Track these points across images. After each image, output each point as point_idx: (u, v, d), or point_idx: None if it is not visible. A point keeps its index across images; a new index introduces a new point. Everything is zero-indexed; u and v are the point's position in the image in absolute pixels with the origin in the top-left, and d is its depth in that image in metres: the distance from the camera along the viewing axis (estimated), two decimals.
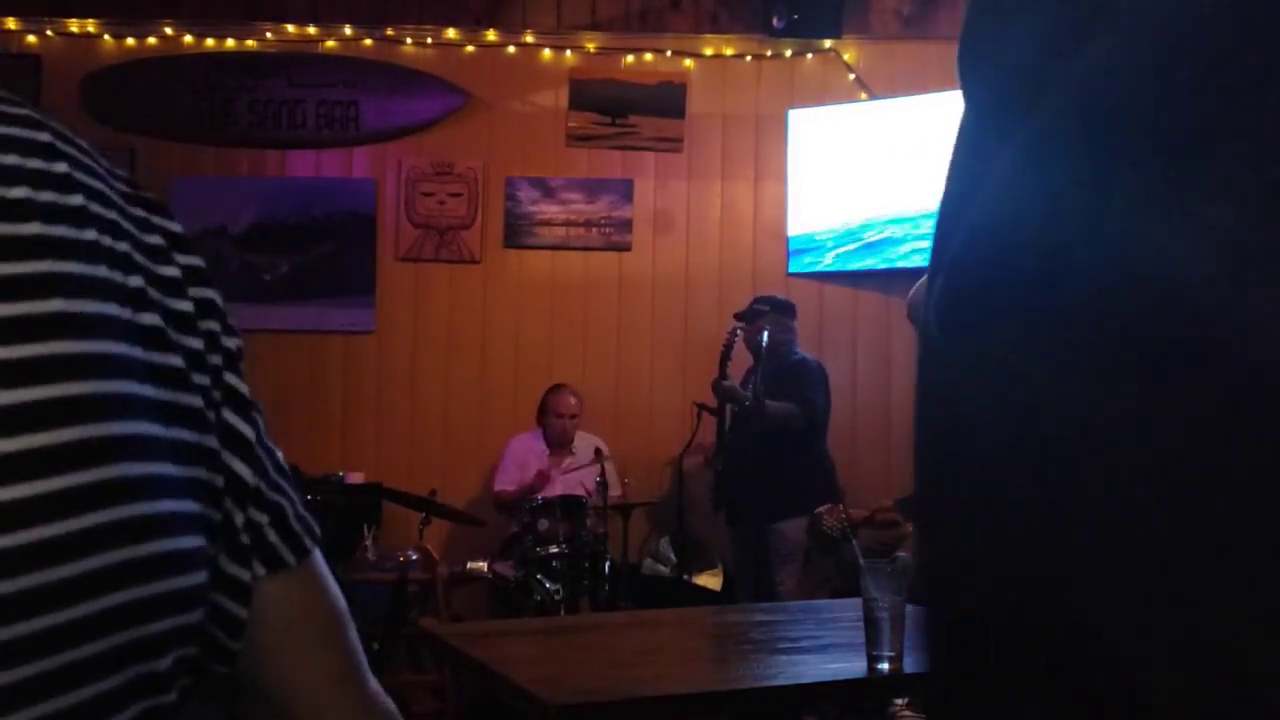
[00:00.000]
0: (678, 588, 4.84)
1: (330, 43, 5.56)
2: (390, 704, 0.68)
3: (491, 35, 5.52)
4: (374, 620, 4.16)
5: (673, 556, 5.03)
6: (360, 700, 0.66)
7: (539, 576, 4.28)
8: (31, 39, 5.45)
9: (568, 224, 5.60)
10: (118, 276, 0.52)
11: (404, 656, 4.32)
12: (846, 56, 5.58)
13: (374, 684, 0.68)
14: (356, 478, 5.01)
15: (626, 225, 5.61)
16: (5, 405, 0.46)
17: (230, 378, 0.58)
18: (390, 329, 5.52)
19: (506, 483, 5.07)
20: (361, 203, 5.55)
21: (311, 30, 5.49)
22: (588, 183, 5.60)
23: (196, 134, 5.48)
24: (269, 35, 5.51)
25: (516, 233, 5.59)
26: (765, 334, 4.51)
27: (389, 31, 5.51)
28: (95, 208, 0.53)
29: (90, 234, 0.51)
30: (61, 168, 0.52)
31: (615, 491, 4.88)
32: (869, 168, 5.39)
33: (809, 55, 5.62)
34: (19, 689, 0.45)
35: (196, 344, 0.56)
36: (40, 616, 0.46)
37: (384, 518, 4.98)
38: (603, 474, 4.71)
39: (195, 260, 0.58)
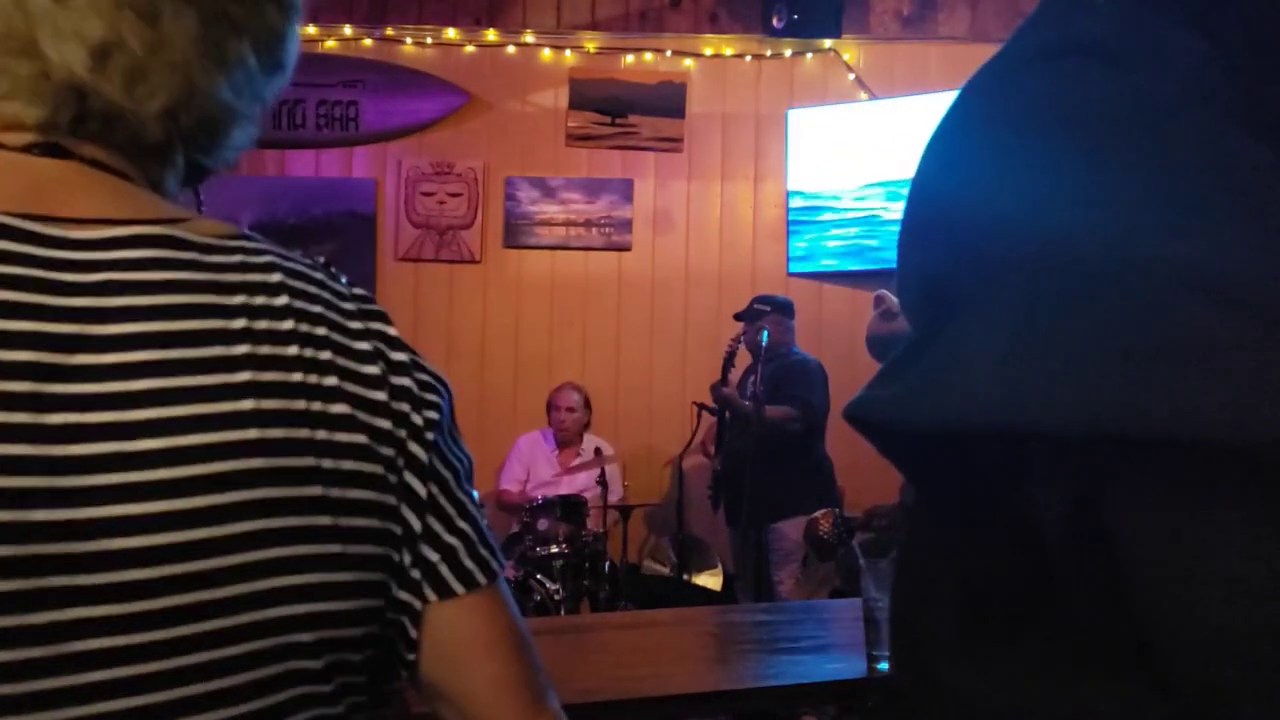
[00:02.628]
0: (678, 588, 4.84)
1: (330, 43, 5.56)
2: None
3: (491, 35, 5.52)
4: None
5: (673, 556, 5.03)
6: (526, 707, 0.78)
7: (539, 576, 4.27)
8: None
9: (568, 224, 5.60)
10: (311, 378, 0.69)
11: None
12: (846, 56, 5.58)
13: (552, 703, 0.81)
14: None
15: (626, 225, 5.61)
16: (211, 473, 0.65)
17: (412, 446, 0.74)
18: None
19: (510, 482, 5.09)
20: (361, 203, 5.55)
21: (311, 30, 5.49)
22: (588, 183, 5.60)
23: None
24: None
25: (516, 233, 5.59)
26: (765, 334, 4.51)
27: (389, 31, 5.51)
28: (303, 327, 0.70)
29: (292, 349, 0.69)
30: (281, 300, 0.70)
31: (616, 493, 4.88)
32: (869, 168, 5.39)
33: (809, 55, 5.62)
34: (205, 667, 0.66)
35: (385, 424, 0.72)
36: (226, 617, 0.66)
37: None
38: (603, 474, 4.71)
39: (403, 356, 0.75)
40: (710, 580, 5.10)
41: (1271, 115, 0.53)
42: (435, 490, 0.75)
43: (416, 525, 0.74)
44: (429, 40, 5.55)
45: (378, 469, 0.71)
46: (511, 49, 5.59)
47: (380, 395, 0.72)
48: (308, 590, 0.68)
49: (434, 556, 0.75)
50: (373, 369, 0.73)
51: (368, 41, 5.54)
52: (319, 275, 0.75)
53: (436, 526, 0.75)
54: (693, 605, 4.50)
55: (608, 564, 4.56)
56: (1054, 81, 0.56)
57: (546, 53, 5.60)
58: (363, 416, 0.71)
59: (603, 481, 4.69)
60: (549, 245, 5.60)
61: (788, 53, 5.61)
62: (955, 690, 0.58)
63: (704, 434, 4.95)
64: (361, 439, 0.71)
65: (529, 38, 5.54)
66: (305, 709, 0.70)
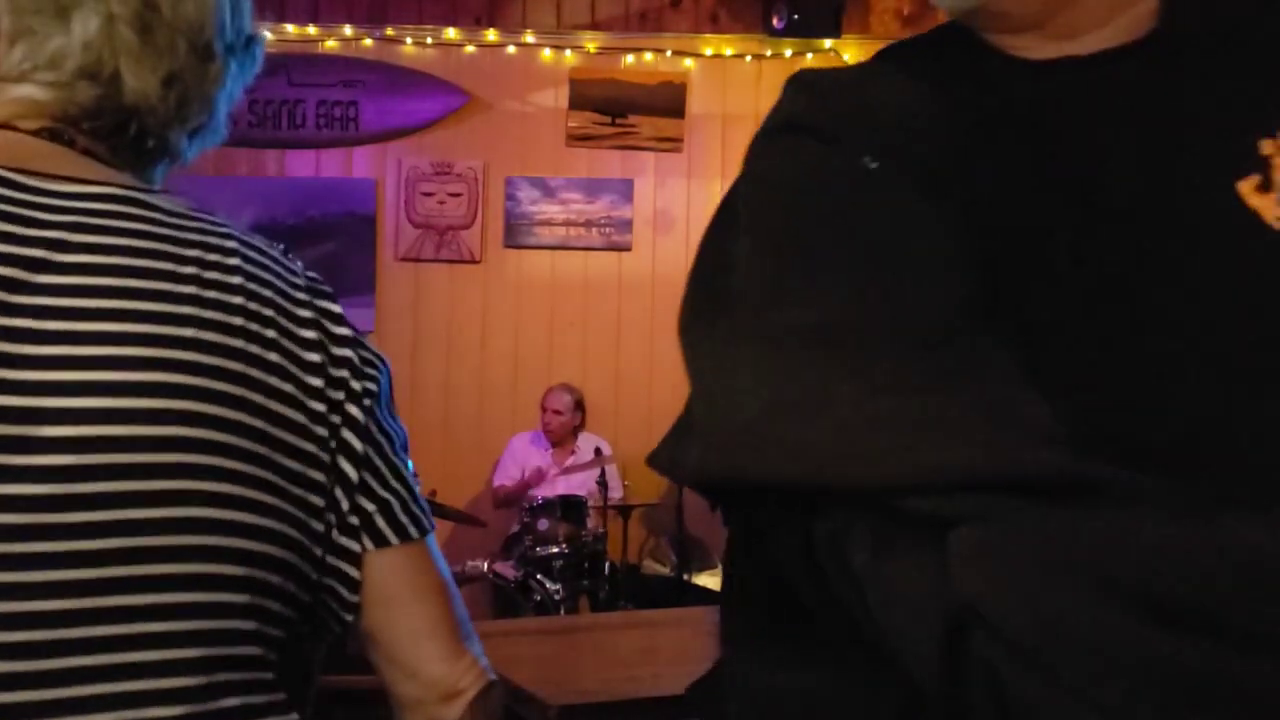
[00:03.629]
0: (678, 588, 4.84)
1: (330, 43, 5.55)
2: (485, 666, 0.88)
3: (491, 35, 5.52)
4: None
5: (673, 556, 5.03)
6: (448, 651, 0.86)
7: (539, 576, 4.27)
8: None
9: (568, 224, 5.60)
10: (253, 326, 0.80)
11: None
12: (846, 56, 5.58)
13: (474, 648, 0.89)
14: None
15: (626, 225, 5.61)
16: (145, 381, 0.75)
17: (350, 408, 0.84)
18: (390, 329, 5.52)
19: (505, 478, 5.08)
20: (361, 203, 5.55)
21: (311, 30, 5.49)
22: (588, 183, 5.60)
23: None
24: (269, 35, 5.49)
25: (516, 233, 5.59)
26: None
27: (389, 31, 5.51)
28: (251, 286, 0.81)
29: (237, 299, 0.80)
30: (234, 261, 0.82)
31: (616, 493, 4.88)
32: None
33: (809, 55, 5.62)
34: (122, 553, 0.74)
35: (317, 382, 0.83)
36: (144, 509, 0.75)
37: None
38: (603, 475, 4.71)
39: (345, 331, 0.86)
40: (710, 580, 5.10)
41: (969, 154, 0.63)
42: (371, 451, 0.86)
43: (354, 476, 0.84)
44: (429, 40, 5.55)
45: (302, 418, 0.82)
46: (511, 49, 5.59)
47: (315, 357, 0.83)
48: (221, 497, 0.77)
49: (370, 507, 0.85)
50: (310, 334, 0.84)
51: (368, 41, 5.54)
52: (273, 253, 0.86)
53: (372, 482, 0.85)
54: (693, 605, 4.50)
55: (608, 564, 4.56)
56: (765, 157, 0.71)
57: (546, 53, 5.60)
58: (295, 370, 0.82)
59: (602, 481, 4.69)
60: (549, 245, 5.60)
61: (788, 53, 5.61)
62: (748, 680, 0.70)
63: None
64: (289, 388, 0.81)
65: (529, 38, 5.54)
66: (221, 616, 0.78)
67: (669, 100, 5.61)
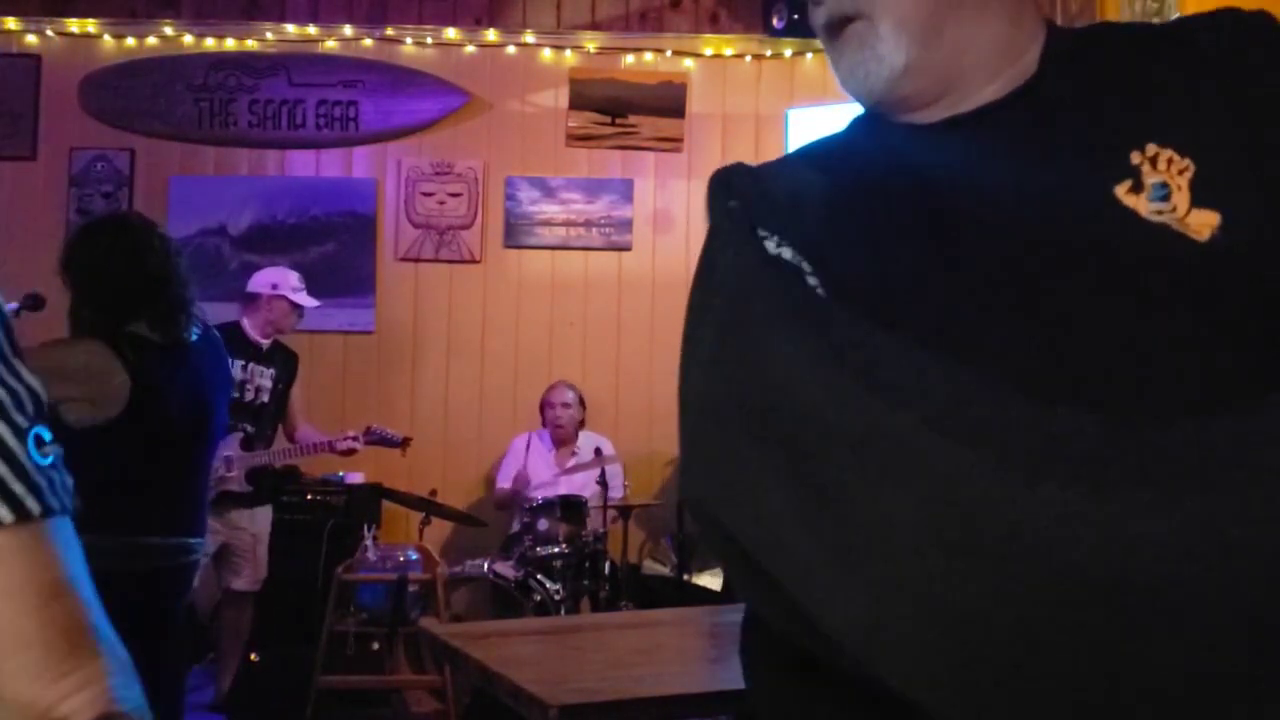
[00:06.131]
0: (678, 588, 4.84)
1: (330, 43, 5.56)
2: (109, 687, 0.68)
3: (491, 35, 5.52)
4: (374, 620, 4.16)
5: (673, 556, 5.02)
6: (44, 667, 0.67)
7: (539, 576, 4.27)
8: (31, 39, 5.45)
9: (568, 224, 5.60)
10: None
11: (404, 656, 4.32)
12: None
13: (93, 664, 0.68)
14: (356, 478, 5.01)
15: (626, 225, 5.61)
16: None
17: None
18: (390, 329, 5.52)
19: (507, 481, 5.08)
20: (361, 203, 5.55)
21: (311, 30, 5.49)
22: (588, 183, 5.60)
23: (196, 134, 5.48)
24: (269, 35, 5.50)
25: (516, 233, 5.59)
26: None
27: (389, 31, 5.51)
28: None
29: None
30: None
31: (616, 493, 4.88)
32: None
33: (809, 55, 5.62)
34: None
35: None
36: None
37: (384, 518, 4.97)
38: (603, 474, 4.71)
39: None
40: (710, 580, 5.10)
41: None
42: None
43: None
44: (429, 40, 5.55)
45: None
46: (511, 49, 5.59)
47: None
48: None
49: None
50: None
51: (368, 41, 5.54)
52: None
53: None
54: (693, 605, 4.50)
55: (608, 564, 4.56)
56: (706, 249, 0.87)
57: (546, 53, 5.60)
58: None
59: (603, 481, 4.69)
60: (549, 245, 5.60)
61: (788, 53, 5.61)
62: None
63: None
64: None
65: (529, 38, 5.54)
66: None
67: (669, 100, 5.61)
